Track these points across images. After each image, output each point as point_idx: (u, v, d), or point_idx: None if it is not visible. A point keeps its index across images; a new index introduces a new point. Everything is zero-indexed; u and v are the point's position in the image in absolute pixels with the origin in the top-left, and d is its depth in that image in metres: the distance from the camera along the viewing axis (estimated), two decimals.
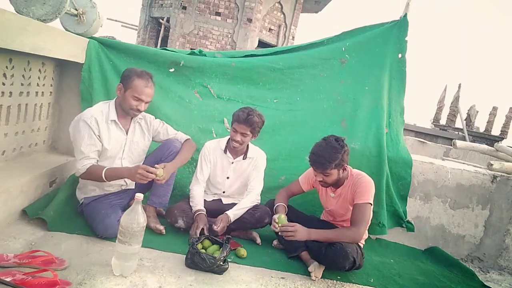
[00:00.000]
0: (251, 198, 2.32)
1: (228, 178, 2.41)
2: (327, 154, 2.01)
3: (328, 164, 2.01)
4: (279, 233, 2.04)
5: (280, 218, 2.05)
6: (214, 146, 2.42)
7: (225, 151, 2.39)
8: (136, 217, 1.60)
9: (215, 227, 2.13)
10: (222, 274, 1.84)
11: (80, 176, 1.99)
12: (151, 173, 1.88)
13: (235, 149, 2.34)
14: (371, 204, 2.08)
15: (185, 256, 1.88)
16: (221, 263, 1.82)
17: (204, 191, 2.47)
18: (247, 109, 2.27)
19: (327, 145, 2.04)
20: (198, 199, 2.29)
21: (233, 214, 2.23)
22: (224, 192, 2.46)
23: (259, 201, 2.36)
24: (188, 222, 2.20)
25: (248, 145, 2.40)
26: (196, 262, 1.81)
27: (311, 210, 2.54)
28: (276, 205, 2.27)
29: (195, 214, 2.20)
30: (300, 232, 1.98)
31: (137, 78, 2.01)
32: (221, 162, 2.40)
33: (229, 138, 2.35)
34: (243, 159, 2.39)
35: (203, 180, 2.38)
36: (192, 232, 2.12)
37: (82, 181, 2.14)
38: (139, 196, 1.63)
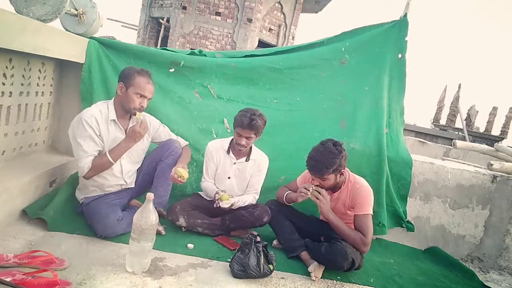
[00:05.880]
0: (250, 197, 2.38)
1: (229, 178, 2.42)
2: (325, 159, 1.99)
3: (326, 169, 2.00)
4: (309, 193, 2.05)
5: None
6: (217, 146, 2.43)
7: (228, 152, 2.40)
8: (146, 215, 1.64)
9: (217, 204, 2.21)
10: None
11: (87, 173, 1.98)
12: (179, 177, 2.04)
13: (239, 151, 2.36)
14: (372, 214, 2.10)
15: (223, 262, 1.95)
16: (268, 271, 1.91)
17: None
18: (248, 113, 2.24)
19: (325, 150, 2.02)
20: (211, 188, 2.36)
21: (235, 200, 2.27)
22: (223, 191, 2.46)
23: (256, 201, 2.42)
24: (189, 221, 2.22)
25: (251, 146, 2.41)
26: (249, 273, 1.83)
27: (311, 210, 2.53)
28: (286, 193, 2.30)
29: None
30: (326, 204, 2.05)
31: (138, 75, 2.03)
32: (224, 162, 2.41)
33: (232, 139, 2.38)
34: (245, 160, 2.41)
35: (211, 177, 2.43)
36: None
37: (82, 181, 2.13)
38: (150, 195, 1.67)
